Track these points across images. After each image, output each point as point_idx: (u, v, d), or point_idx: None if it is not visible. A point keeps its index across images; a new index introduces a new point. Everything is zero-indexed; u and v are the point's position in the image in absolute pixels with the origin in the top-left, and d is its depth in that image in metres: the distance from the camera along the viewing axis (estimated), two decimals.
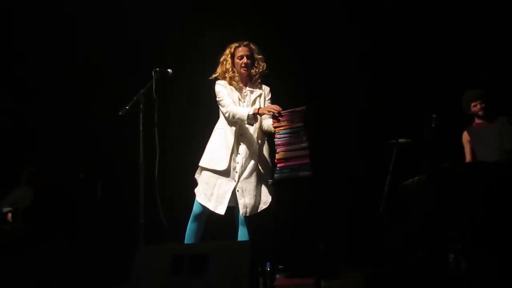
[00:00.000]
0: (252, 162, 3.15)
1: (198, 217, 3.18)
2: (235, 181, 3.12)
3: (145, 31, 4.88)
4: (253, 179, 3.14)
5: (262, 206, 3.14)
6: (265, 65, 3.28)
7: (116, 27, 4.82)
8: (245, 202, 3.10)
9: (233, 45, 3.23)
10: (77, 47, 4.98)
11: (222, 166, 3.12)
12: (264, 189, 3.18)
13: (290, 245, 3.74)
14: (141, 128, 3.12)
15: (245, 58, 3.20)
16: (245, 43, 3.23)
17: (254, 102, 3.25)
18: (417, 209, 3.35)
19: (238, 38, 3.31)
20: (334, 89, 4.71)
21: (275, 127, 3.16)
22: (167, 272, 2.33)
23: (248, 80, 3.28)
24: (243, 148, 3.17)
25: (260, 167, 3.17)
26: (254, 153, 3.18)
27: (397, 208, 3.64)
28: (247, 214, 3.10)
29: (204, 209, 3.15)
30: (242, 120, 3.11)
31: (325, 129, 4.48)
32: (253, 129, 3.22)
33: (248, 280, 2.19)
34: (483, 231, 2.80)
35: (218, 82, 3.25)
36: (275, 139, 3.20)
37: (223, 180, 3.12)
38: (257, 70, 3.25)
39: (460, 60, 4.41)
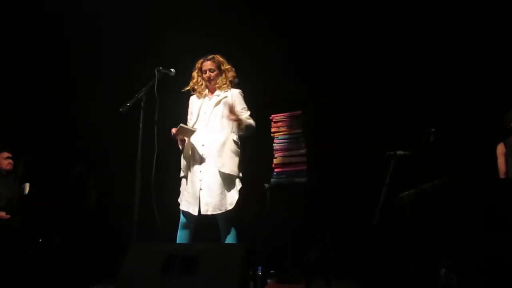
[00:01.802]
0: (216, 162, 3.20)
1: (185, 225, 3.25)
2: (200, 180, 3.19)
3: (150, 25, 4.92)
4: (216, 179, 3.17)
5: (228, 206, 3.17)
6: (234, 75, 3.44)
7: (116, 21, 4.84)
8: (206, 201, 3.15)
9: (200, 60, 3.44)
10: (74, 43, 5.00)
11: (189, 170, 3.25)
12: (232, 190, 3.21)
13: (283, 251, 3.74)
14: (140, 126, 3.12)
15: (208, 72, 3.38)
16: (210, 57, 3.42)
17: (218, 103, 3.34)
18: (411, 222, 3.35)
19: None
20: (333, 98, 4.72)
21: (273, 132, 3.18)
22: (158, 271, 2.32)
23: (217, 89, 3.42)
24: (206, 151, 3.23)
25: (225, 168, 3.20)
26: (219, 155, 3.21)
27: (391, 220, 3.64)
28: (208, 213, 3.14)
29: (189, 215, 3.21)
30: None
31: (324, 137, 4.48)
32: (218, 132, 3.26)
33: (239, 282, 2.19)
34: (475, 248, 2.80)
35: (191, 97, 3.49)
36: (273, 144, 3.22)
37: (192, 182, 3.23)
38: (225, 78, 3.41)
39: (461, 75, 4.42)
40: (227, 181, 3.19)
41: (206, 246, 2.72)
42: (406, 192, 3.47)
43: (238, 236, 3.24)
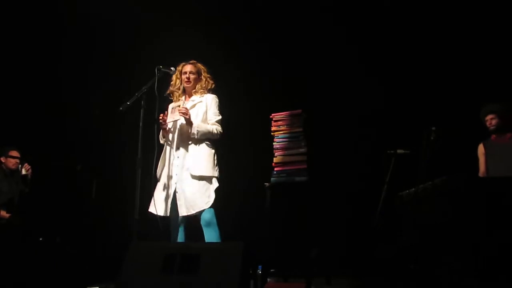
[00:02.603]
0: (189, 165, 3.25)
1: (172, 228, 3.30)
2: (175, 183, 3.25)
3: (152, 26, 4.93)
4: (190, 181, 3.22)
5: (203, 206, 3.20)
6: (212, 84, 3.49)
7: (116, 20, 4.86)
8: (182, 202, 3.20)
9: (182, 64, 3.50)
10: (76, 42, 5.02)
11: (164, 173, 3.31)
12: (206, 190, 3.24)
13: (283, 249, 3.74)
14: (141, 125, 3.13)
15: (188, 73, 3.45)
16: (191, 61, 3.49)
17: (192, 107, 3.38)
18: (411, 220, 3.36)
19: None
20: (334, 97, 4.72)
21: (273, 131, 3.18)
22: (158, 269, 2.33)
23: (193, 94, 3.46)
24: (180, 153, 3.29)
25: (196, 170, 3.24)
26: (190, 158, 3.27)
27: (391, 218, 3.65)
28: (184, 214, 3.19)
29: (173, 219, 3.25)
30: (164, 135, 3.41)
31: (324, 136, 4.48)
32: (188, 135, 3.30)
33: (239, 281, 2.19)
34: (475, 246, 2.80)
35: (169, 104, 3.50)
36: (273, 143, 3.22)
37: (167, 185, 3.28)
38: (204, 84, 3.46)
39: (462, 74, 4.42)
40: (201, 182, 3.24)
41: (206, 245, 2.73)
42: (406, 191, 3.48)
43: (238, 235, 3.24)
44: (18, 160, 4.70)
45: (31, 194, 4.69)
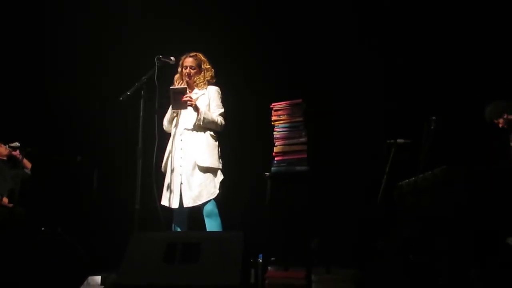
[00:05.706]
0: (194, 157, 3.28)
1: (175, 219, 3.34)
2: (180, 175, 3.27)
3: (150, 16, 4.91)
4: (196, 172, 3.26)
5: (209, 197, 3.25)
6: (212, 75, 3.51)
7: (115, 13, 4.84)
8: (187, 194, 3.24)
9: (183, 56, 3.50)
10: (75, 31, 5.00)
11: (169, 165, 3.33)
12: (211, 181, 3.29)
13: (284, 238, 3.76)
14: (141, 114, 3.13)
15: (188, 68, 3.46)
16: (192, 54, 3.49)
17: (195, 100, 3.38)
18: (410, 210, 3.37)
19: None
20: (334, 86, 4.72)
21: (274, 120, 3.19)
22: (160, 259, 2.34)
23: (195, 86, 3.48)
24: (185, 145, 3.32)
25: (203, 161, 3.27)
26: (196, 149, 3.30)
27: (391, 208, 3.66)
28: (190, 205, 3.23)
29: (175, 209, 3.27)
30: (171, 119, 3.45)
31: (324, 126, 4.48)
32: (196, 127, 3.34)
33: (240, 270, 2.21)
34: (474, 237, 2.81)
35: None
36: (274, 133, 3.22)
37: (172, 176, 3.30)
38: (203, 77, 3.47)
39: (462, 63, 4.41)
40: (206, 174, 3.28)
41: (207, 234, 2.75)
42: (406, 181, 3.49)
43: (239, 224, 3.26)
44: (8, 149, 4.69)
45: (33, 182, 4.70)
